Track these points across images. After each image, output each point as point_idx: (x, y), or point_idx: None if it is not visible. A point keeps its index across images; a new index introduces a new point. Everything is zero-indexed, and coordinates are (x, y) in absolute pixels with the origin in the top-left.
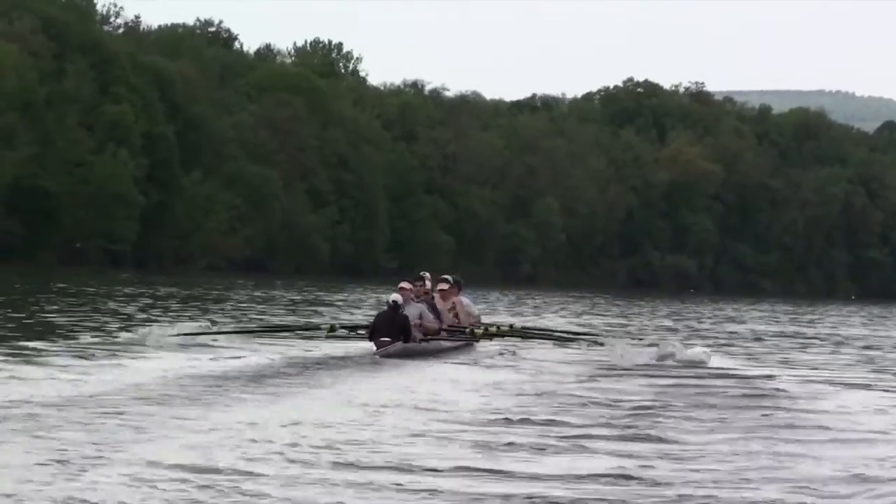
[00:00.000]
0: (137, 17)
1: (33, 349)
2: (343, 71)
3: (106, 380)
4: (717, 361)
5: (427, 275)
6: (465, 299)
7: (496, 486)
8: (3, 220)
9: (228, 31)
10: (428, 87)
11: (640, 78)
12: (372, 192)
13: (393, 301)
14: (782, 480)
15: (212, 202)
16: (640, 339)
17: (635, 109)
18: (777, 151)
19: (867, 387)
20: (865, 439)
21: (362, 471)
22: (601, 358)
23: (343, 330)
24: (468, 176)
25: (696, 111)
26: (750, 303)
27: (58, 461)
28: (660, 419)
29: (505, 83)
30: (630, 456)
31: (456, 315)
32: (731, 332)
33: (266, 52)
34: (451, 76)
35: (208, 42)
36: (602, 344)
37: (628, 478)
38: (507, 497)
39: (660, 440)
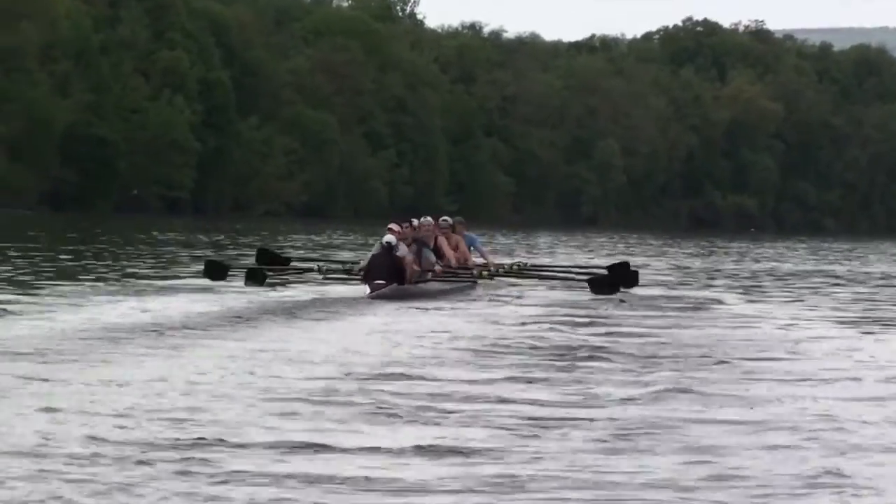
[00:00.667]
0: None
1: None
2: (400, 14)
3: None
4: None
5: (429, 219)
6: (469, 239)
7: (308, 453)
8: (59, 168)
9: None
10: (486, 29)
11: (699, 17)
12: (430, 135)
13: (386, 242)
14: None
15: (269, 147)
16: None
17: (695, 49)
18: (838, 89)
19: (828, 325)
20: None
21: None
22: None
23: (335, 272)
24: (527, 117)
25: (756, 49)
26: (798, 241)
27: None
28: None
29: (564, 24)
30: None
31: (461, 256)
32: (754, 271)
33: None
34: (510, 18)
35: None
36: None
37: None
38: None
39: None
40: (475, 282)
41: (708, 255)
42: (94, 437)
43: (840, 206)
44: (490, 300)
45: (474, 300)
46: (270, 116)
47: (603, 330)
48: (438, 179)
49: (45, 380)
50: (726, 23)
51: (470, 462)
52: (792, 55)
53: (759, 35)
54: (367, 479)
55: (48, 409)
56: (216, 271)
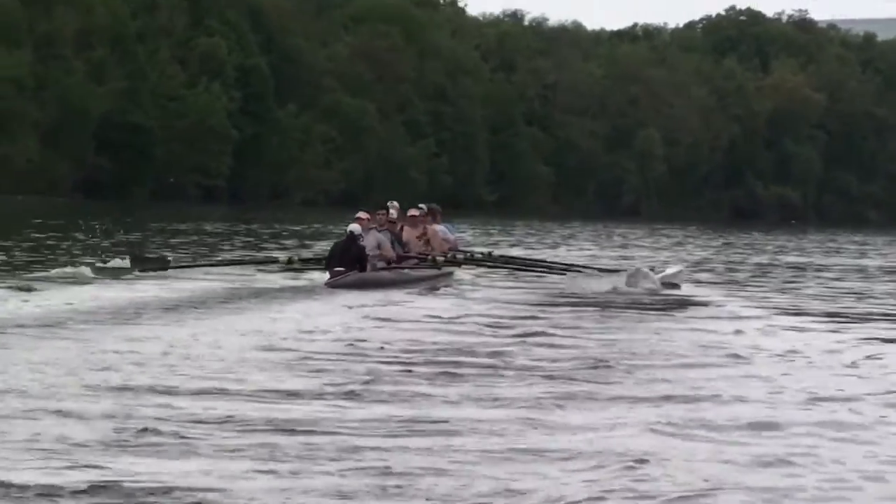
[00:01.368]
0: None
1: None
2: (441, 1)
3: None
4: (688, 289)
5: (395, 204)
6: (439, 227)
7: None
8: (94, 156)
9: None
10: (528, 17)
11: (742, 6)
12: (470, 124)
13: (350, 231)
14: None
15: (307, 135)
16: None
17: (738, 38)
18: (881, 79)
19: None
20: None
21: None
22: (557, 287)
23: (300, 262)
24: (568, 107)
25: (800, 39)
26: (832, 233)
27: None
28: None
29: (606, 12)
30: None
31: (427, 243)
32: (759, 264)
33: None
34: (552, 6)
35: None
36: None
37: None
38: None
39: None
40: (439, 269)
41: (725, 247)
42: None
43: (883, 197)
44: (440, 289)
45: (427, 288)
46: (309, 104)
47: (527, 328)
48: (478, 169)
49: None
50: (770, 12)
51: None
52: (835, 45)
53: (803, 24)
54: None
55: None
56: (149, 263)
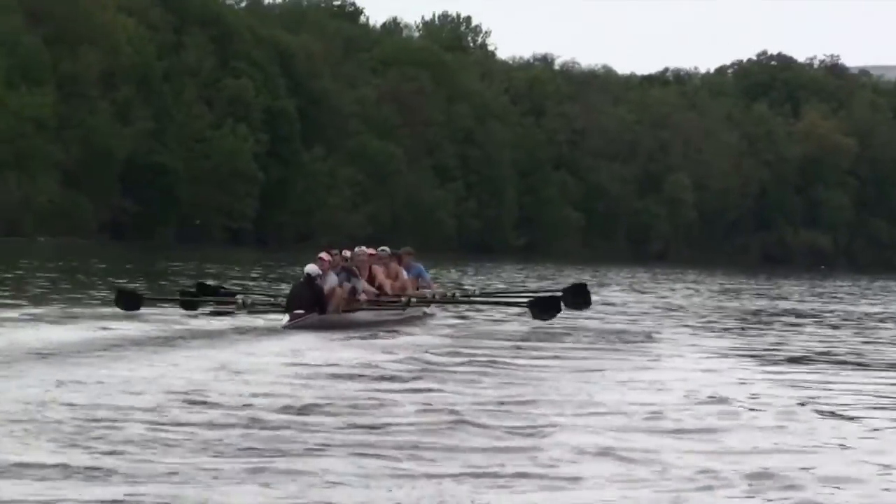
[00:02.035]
0: None
1: None
2: (471, 45)
3: None
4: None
5: (362, 249)
6: (415, 269)
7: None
8: (119, 197)
9: (354, 4)
10: (558, 62)
11: (773, 51)
12: (499, 168)
13: (307, 273)
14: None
15: (334, 178)
16: None
17: (768, 83)
18: None
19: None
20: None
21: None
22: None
23: (260, 306)
24: (597, 151)
25: (831, 84)
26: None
27: None
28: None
29: (636, 57)
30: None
31: (402, 285)
32: (745, 309)
33: (392, 26)
34: (582, 50)
35: (332, 16)
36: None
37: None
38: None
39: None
40: (403, 310)
41: (726, 292)
42: None
43: None
44: (405, 328)
45: (388, 329)
46: (336, 147)
47: (464, 358)
48: (506, 213)
49: None
50: (801, 57)
51: None
52: (867, 91)
53: (834, 70)
54: None
55: None
56: (128, 301)
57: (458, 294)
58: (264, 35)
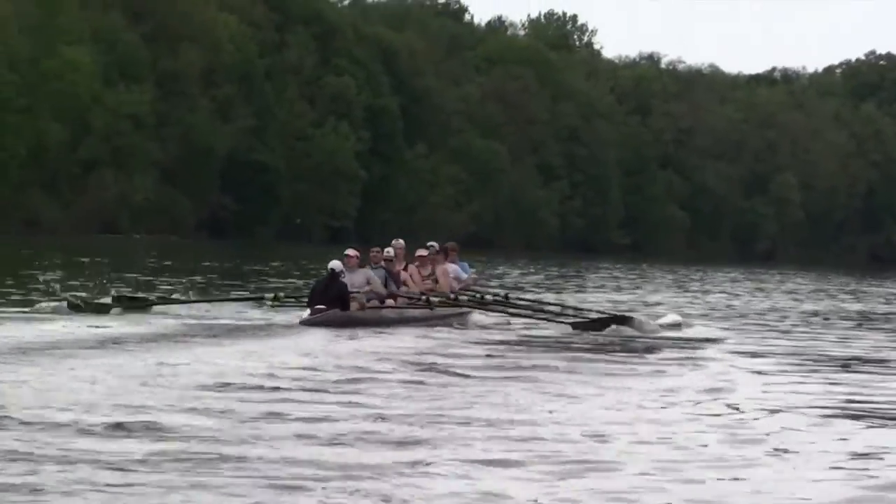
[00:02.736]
0: None
1: None
2: (577, 44)
3: None
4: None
5: (401, 243)
6: (452, 267)
7: None
8: (218, 195)
9: (458, 2)
10: (664, 60)
11: (882, 51)
12: (604, 167)
13: (331, 268)
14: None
15: (436, 176)
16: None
17: (877, 83)
18: None
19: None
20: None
21: None
22: (552, 333)
23: (290, 299)
24: (704, 150)
25: None
26: None
27: None
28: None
29: (744, 56)
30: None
31: (436, 282)
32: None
33: (497, 24)
34: (689, 49)
35: (436, 14)
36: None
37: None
38: None
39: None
40: (432, 310)
41: (813, 293)
42: None
43: None
44: (426, 329)
45: (410, 328)
46: (438, 145)
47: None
48: (611, 212)
49: None
50: None
51: None
52: None
53: None
54: None
55: None
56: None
57: (494, 297)
58: (367, 32)
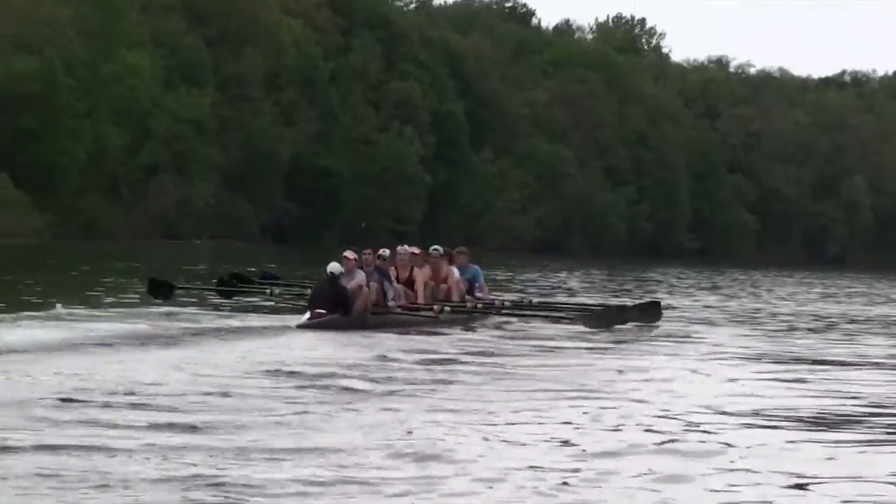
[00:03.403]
0: None
1: None
2: (645, 47)
3: None
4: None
5: (406, 249)
6: (468, 270)
7: None
8: (282, 199)
9: (525, 6)
10: (733, 64)
11: None
12: (672, 171)
13: (329, 272)
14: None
15: (502, 181)
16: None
17: None
18: None
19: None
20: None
21: None
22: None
23: (289, 298)
24: (773, 154)
25: None
26: None
27: None
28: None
29: (813, 59)
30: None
31: (449, 289)
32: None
33: (565, 28)
34: (758, 52)
35: (503, 18)
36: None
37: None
38: None
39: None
40: (437, 317)
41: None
42: None
43: None
44: (428, 335)
45: (414, 332)
46: (504, 149)
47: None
48: (679, 216)
49: None
50: None
51: None
52: None
53: None
54: None
55: None
56: (160, 290)
57: (507, 302)
58: (433, 37)
